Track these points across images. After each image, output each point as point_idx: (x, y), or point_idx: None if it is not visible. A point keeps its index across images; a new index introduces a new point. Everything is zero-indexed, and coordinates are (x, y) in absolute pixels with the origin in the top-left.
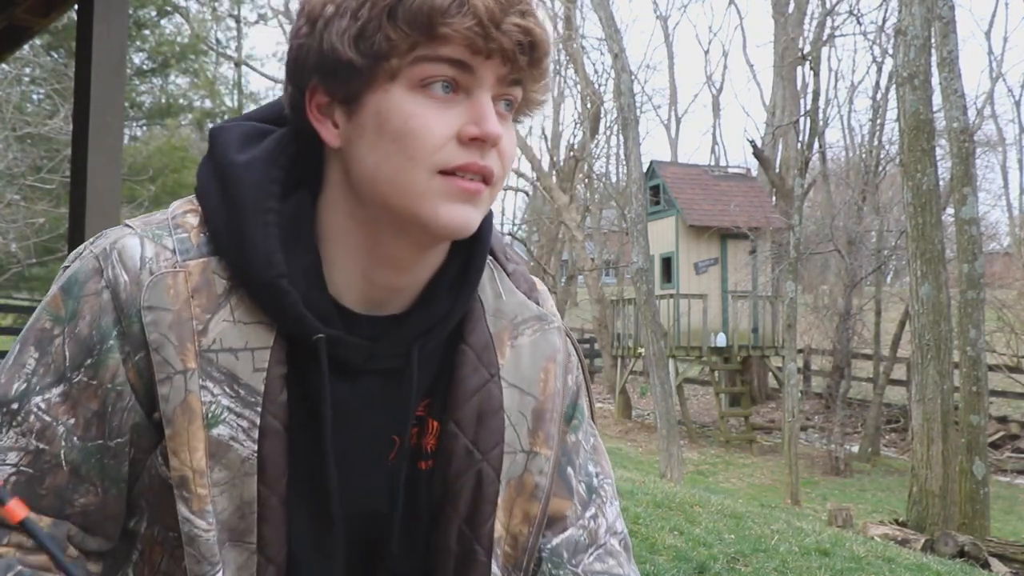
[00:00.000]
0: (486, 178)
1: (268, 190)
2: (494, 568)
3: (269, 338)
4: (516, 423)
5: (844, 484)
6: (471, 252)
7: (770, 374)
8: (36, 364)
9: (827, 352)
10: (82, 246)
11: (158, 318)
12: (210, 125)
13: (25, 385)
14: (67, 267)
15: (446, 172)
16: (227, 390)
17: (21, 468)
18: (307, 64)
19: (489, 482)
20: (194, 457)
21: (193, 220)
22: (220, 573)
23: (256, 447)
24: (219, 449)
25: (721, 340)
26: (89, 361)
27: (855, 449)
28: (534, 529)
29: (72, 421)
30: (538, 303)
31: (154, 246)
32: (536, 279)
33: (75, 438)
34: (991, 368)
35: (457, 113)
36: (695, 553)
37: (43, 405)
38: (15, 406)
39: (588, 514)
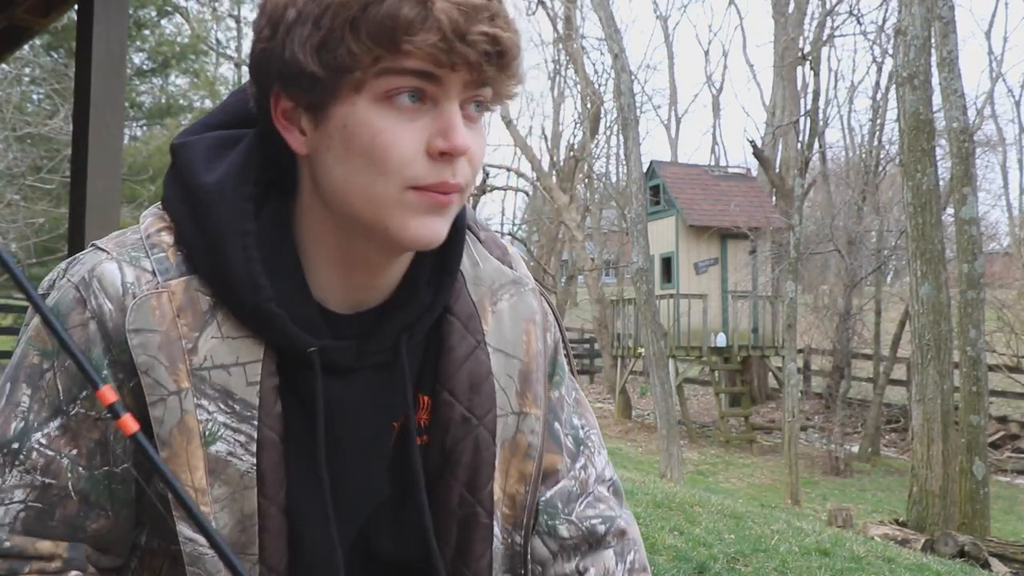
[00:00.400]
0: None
1: (243, 210)
2: (495, 529)
3: (259, 351)
4: (505, 386)
5: (844, 484)
6: (449, 241)
7: (770, 374)
8: (30, 401)
9: (827, 352)
10: (54, 272)
11: (146, 340)
12: None
13: (23, 423)
14: (42, 295)
15: (418, 187)
16: (222, 406)
17: (29, 504)
18: (270, 69)
19: (486, 446)
20: (195, 476)
21: (168, 238)
22: None
23: (255, 460)
24: (218, 465)
25: (721, 340)
26: (85, 393)
27: (855, 449)
28: (530, 488)
29: (75, 452)
30: (511, 267)
31: (133, 270)
32: (506, 243)
33: (80, 468)
34: (991, 368)
35: (424, 124)
36: (695, 553)
37: (44, 440)
38: (15, 445)
39: (578, 465)
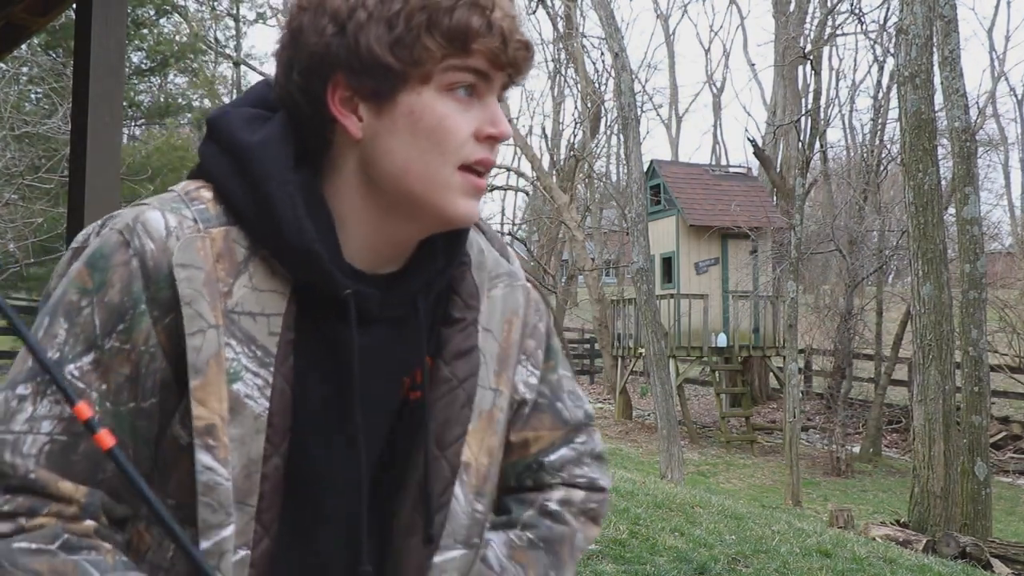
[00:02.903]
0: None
1: (286, 164)
2: (458, 490)
3: (281, 305)
4: (487, 362)
5: (845, 485)
6: None
7: (771, 374)
8: (67, 335)
9: (828, 352)
10: (92, 227)
11: (192, 275)
12: None
13: (58, 354)
14: (78, 248)
15: (465, 167)
16: (246, 350)
17: (55, 436)
18: (336, 61)
19: (461, 406)
20: (223, 406)
21: (207, 193)
22: (232, 527)
23: (268, 404)
24: (236, 405)
25: (722, 340)
26: (121, 327)
27: (856, 450)
28: (493, 461)
29: (104, 387)
30: (508, 261)
31: (176, 216)
32: (503, 240)
33: (108, 403)
34: (993, 368)
35: (474, 115)
36: (696, 554)
37: (76, 372)
38: (48, 377)
39: (579, 440)
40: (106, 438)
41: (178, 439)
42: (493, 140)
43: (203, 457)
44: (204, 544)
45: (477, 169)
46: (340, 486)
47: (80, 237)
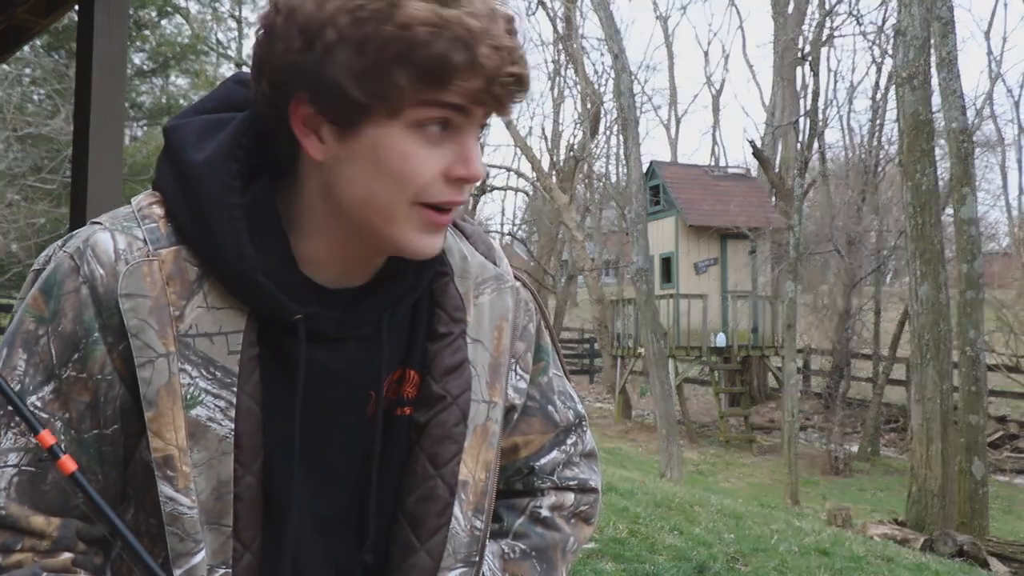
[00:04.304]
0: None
1: (229, 186)
2: (456, 510)
3: (241, 321)
4: (479, 374)
5: (843, 484)
6: None
7: (770, 374)
8: (26, 365)
9: (827, 352)
10: (51, 248)
11: (137, 305)
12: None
13: (19, 386)
14: (38, 269)
15: (426, 204)
16: (204, 373)
17: (23, 468)
18: (300, 79)
19: (455, 423)
20: (178, 436)
21: (159, 210)
22: (203, 552)
23: (233, 426)
24: (197, 430)
25: (721, 340)
26: (76, 356)
27: (854, 449)
28: (491, 475)
29: (67, 416)
30: (495, 263)
31: (125, 237)
32: (490, 239)
33: (72, 431)
34: (990, 368)
35: (445, 152)
36: (695, 553)
37: (38, 403)
38: (11, 407)
39: (570, 441)
40: (68, 463)
41: (148, 462)
42: (462, 182)
43: (164, 488)
44: (177, 572)
45: (440, 207)
46: (311, 503)
47: (41, 258)
